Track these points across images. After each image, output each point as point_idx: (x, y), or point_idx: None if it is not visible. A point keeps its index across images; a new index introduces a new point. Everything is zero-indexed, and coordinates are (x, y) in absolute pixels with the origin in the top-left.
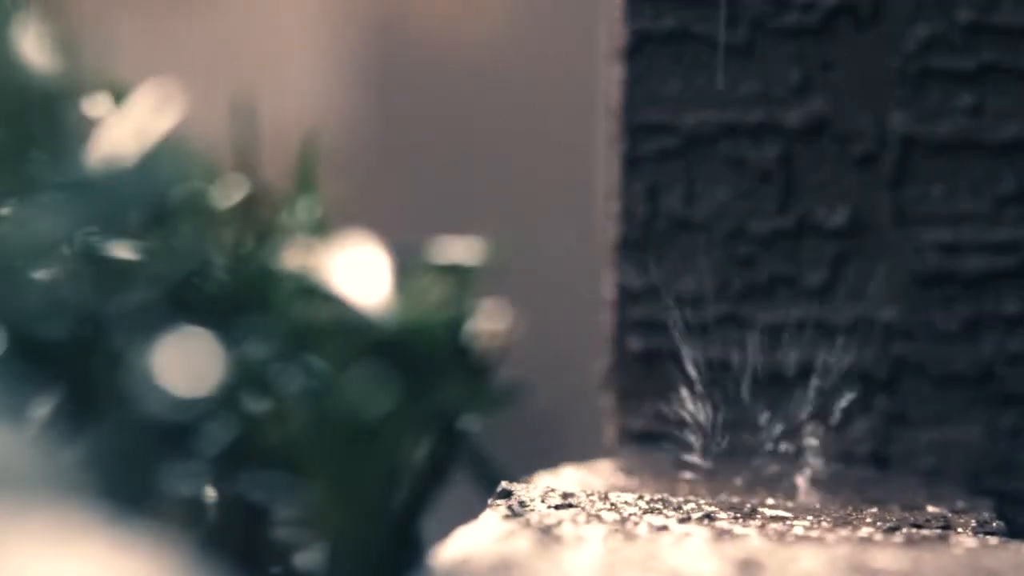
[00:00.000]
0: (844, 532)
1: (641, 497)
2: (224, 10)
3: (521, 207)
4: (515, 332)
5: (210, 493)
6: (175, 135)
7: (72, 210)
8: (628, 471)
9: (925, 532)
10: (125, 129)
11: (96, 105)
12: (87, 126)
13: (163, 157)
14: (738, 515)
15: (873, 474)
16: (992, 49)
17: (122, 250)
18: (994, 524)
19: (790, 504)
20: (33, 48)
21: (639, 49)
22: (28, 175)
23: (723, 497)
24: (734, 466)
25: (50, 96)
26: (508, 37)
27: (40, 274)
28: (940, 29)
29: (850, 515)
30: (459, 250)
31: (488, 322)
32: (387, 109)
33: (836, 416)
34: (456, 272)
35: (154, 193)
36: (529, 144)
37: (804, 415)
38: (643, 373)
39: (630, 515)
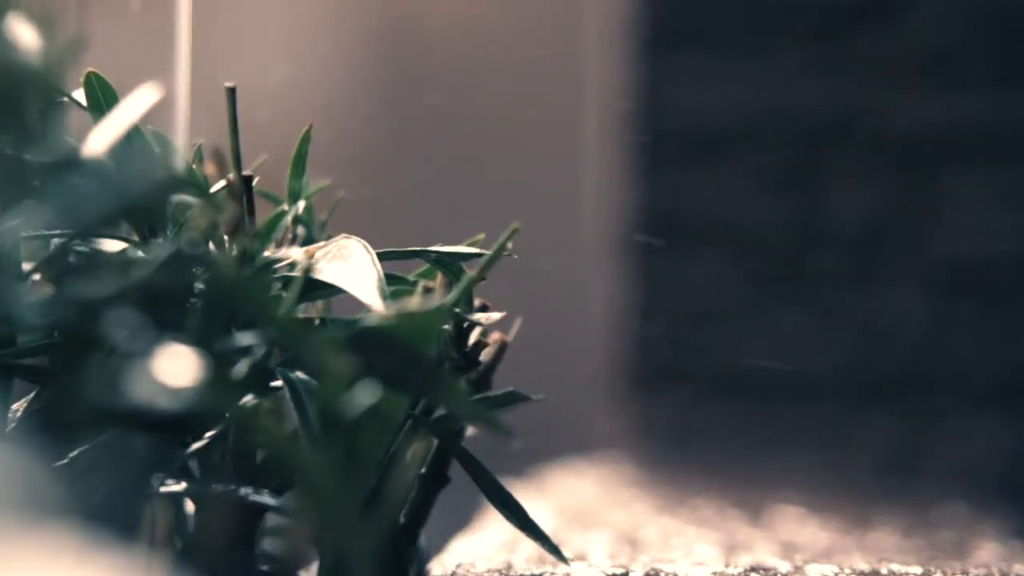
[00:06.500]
0: (859, 535)
1: (650, 498)
2: (221, 4)
3: (519, 206)
4: (514, 331)
5: (199, 497)
6: (163, 129)
7: (53, 204)
8: (637, 469)
9: (946, 535)
10: (110, 123)
11: (80, 99)
12: (70, 119)
13: (152, 151)
14: (749, 516)
15: (899, 475)
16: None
17: (105, 245)
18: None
19: (803, 504)
20: (19, 42)
21: (652, 51)
22: (9, 168)
23: (734, 496)
24: (744, 465)
25: (32, 89)
26: (507, 34)
27: (20, 270)
28: (966, 28)
29: (867, 517)
30: (456, 249)
31: (486, 321)
32: (385, 106)
33: (863, 417)
34: (454, 271)
35: (139, 187)
36: (530, 143)
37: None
38: (653, 373)
39: (638, 519)
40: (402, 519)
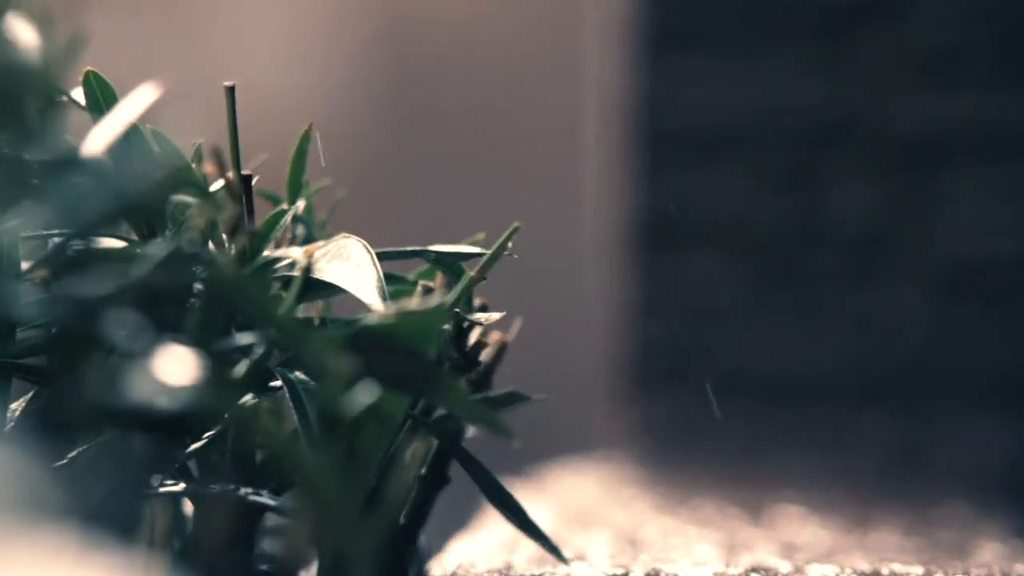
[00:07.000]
0: (860, 535)
1: (651, 498)
2: (223, 3)
3: (518, 206)
4: (513, 331)
5: (198, 497)
6: (161, 129)
7: (51, 203)
8: (638, 468)
9: (948, 535)
10: (109, 122)
11: (79, 98)
12: (69, 119)
13: (151, 150)
14: (750, 515)
15: (900, 475)
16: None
17: (104, 244)
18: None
19: (804, 504)
20: (18, 41)
21: (652, 51)
22: (7, 167)
23: (735, 496)
24: (745, 465)
25: (32, 88)
26: (507, 34)
27: (19, 270)
28: (966, 28)
29: (867, 517)
30: (456, 248)
31: (486, 321)
32: (385, 106)
33: (864, 416)
34: (454, 270)
35: (138, 187)
36: (530, 143)
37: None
38: (653, 372)
39: (638, 519)
40: (402, 519)
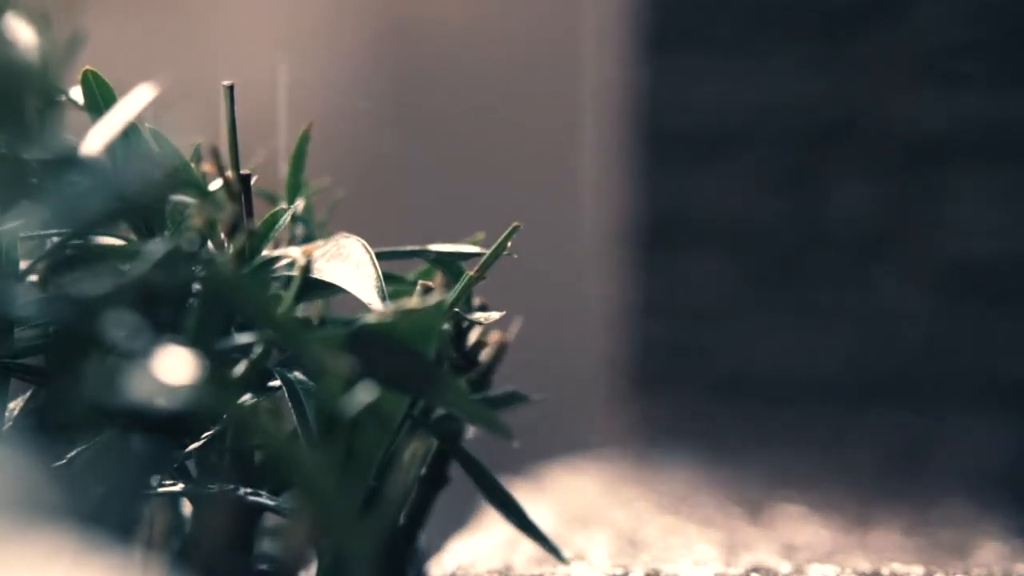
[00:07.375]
0: (860, 535)
1: (651, 497)
2: (221, 3)
3: (518, 206)
4: (512, 331)
5: (197, 497)
6: (160, 128)
7: (50, 203)
8: (638, 468)
9: (948, 535)
10: (108, 122)
11: (78, 97)
12: (68, 118)
13: (150, 150)
14: (750, 515)
15: (900, 475)
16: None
17: (103, 244)
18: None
19: (804, 504)
20: (17, 40)
21: (652, 51)
22: (6, 167)
23: (735, 495)
24: (745, 464)
25: (31, 88)
26: (507, 34)
27: (17, 269)
28: (967, 28)
29: (868, 517)
30: (456, 248)
31: (486, 321)
32: (385, 105)
33: (864, 416)
34: (453, 270)
35: (137, 186)
36: (530, 143)
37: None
38: (653, 372)
39: (638, 519)
40: (402, 519)
